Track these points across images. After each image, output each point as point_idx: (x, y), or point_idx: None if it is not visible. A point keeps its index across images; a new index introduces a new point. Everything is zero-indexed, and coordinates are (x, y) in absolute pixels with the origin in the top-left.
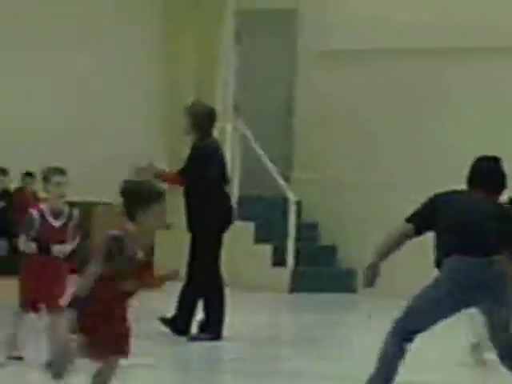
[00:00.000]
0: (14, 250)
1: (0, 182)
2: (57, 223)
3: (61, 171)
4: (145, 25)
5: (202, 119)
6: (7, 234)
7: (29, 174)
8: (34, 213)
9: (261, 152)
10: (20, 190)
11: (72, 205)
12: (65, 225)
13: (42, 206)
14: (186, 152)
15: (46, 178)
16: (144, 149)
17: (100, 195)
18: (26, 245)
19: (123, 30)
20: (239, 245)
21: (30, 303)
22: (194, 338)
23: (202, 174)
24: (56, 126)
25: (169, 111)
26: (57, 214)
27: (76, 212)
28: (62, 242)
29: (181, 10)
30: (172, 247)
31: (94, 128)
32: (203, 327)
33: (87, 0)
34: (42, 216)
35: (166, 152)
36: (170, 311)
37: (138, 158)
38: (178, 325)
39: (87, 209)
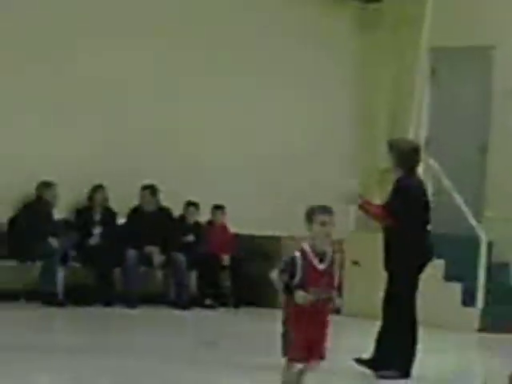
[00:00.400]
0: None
1: (191, 215)
2: (321, 266)
3: (327, 209)
4: (341, 60)
5: (408, 155)
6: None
7: (219, 207)
8: (297, 254)
9: (452, 189)
10: (210, 223)
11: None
12: (329, 267)
13: (305, 246)
14: (375, 187)
15: (309, 217)
16: (337, 181)
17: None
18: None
19: (322, 65)
20: (429, 282)
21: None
22: (383, 376)
23: (407, 211)
24: (245, 164)
25: (361, 146)
26: (321, 256)
27: (338, 254)
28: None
29: (377, 46)
30: (362, 284)
31: (286, 163)
32: (378, 364)
33: (290, 32)
34: (305, 258)
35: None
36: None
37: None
38: (377, 365)
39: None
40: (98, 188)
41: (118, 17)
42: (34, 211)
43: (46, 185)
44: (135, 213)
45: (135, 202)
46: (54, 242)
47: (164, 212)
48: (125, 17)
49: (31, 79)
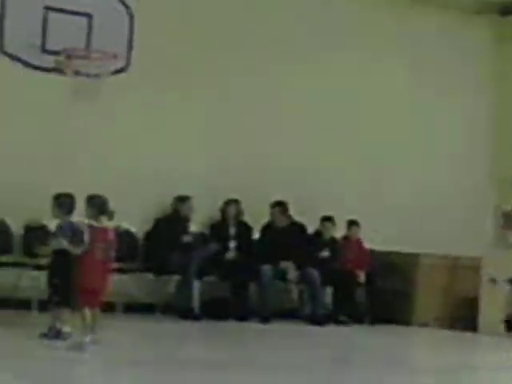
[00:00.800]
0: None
1: (327, 230)
2: None
3: None
4: (479, 70)
5: None
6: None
7: (354, 222)
8: None
9: None
10: (345, 238)
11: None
12: None
13: None
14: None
15: None
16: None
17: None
18: None
19: (460, 74)
20: None
21: None
22: None
23: None
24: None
25: (499, 156)
26: None
27: None
28: None
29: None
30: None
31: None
32: None
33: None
34: None
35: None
36: None
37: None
38: None
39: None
40: (232, 202)
41: None
42: (171, 225)
43: (182, 199)
44: (268, 228)
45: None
46: (189, 256)
47: (297, 227)
48: None
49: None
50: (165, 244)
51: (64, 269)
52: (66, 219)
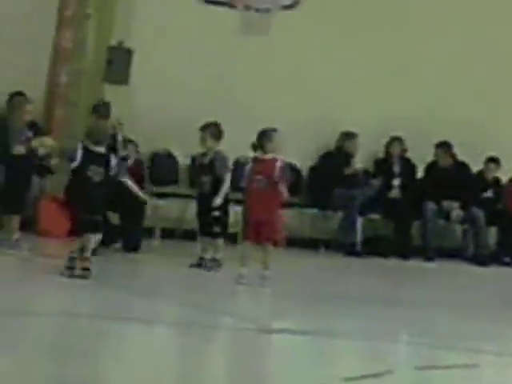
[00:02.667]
0: None
1: (490, 171)
2: None
3: None
4: None
5: None
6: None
7: None
8: None
9: None
10: (511, 180)
11: None
12: None
13: None
14: None
15: None
16: None
17: None
18: None
19: None
20: None
21: None
22: None
23: None
24: None
25: None
26: None
27: None
28: None
29: None
30: None
31: None
32: None
33: None
34: None
35: None
36: None
37: None
38: None
39: None
40: (396, 139)
41: None
42: (335, 160)
43: (348, 135)
44: (432, 168)
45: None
46: (352, 192)
47: (461, 167)
48: None
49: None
50: (329, 179)
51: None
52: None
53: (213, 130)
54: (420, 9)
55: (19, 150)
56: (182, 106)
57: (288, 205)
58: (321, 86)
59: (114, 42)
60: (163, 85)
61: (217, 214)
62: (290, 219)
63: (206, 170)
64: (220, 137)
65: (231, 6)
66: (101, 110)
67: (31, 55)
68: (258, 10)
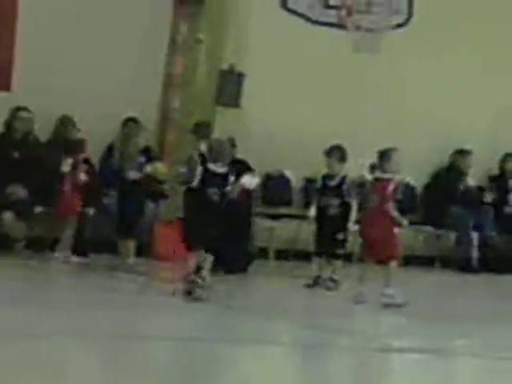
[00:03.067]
0: None
1: None
2: None
3: None
4: None
5: None
6: None
7: None
8: None
9: None
10: None
11: None
12: None
13: None
14: None
15: None
16: None
17: None
18: None
19: None
20: None
21: None
22: None
23: None
24: None
25: None
26: None
27: None
28: None
29: None
30: None
31: None
32: None
33: None
34: None
35: None
36: None
37: None
38: None
39: None
40: (510, 156)
41: None
42: (449, 178)
43: (462, 152)
44: None
45: None
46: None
47: None
48: None
49: None
50: (443, 197)
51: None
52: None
53: (338, 154)
54: None
55: (134, 175)
56: (293, 128)
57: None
58: (432, 103)
59: (225, 66)
60: (274, 107)
61: (341, 236)
62: (405, 237)
63: (333, 192)
64: (345, 159)
65: (342, 26)
66: (201, 130)
67: (144, 81)
68: (368, 30)
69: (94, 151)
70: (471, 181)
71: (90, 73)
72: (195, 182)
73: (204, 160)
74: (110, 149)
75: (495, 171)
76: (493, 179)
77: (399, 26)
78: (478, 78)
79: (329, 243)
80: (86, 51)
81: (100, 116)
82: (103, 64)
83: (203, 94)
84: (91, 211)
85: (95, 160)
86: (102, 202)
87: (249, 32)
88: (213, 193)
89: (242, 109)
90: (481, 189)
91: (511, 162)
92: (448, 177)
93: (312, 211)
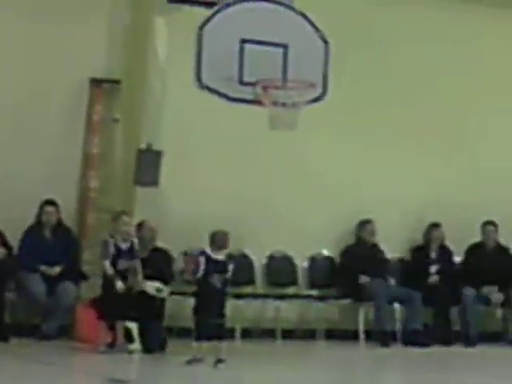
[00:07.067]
0: None
1: None
2: None
3: None
4: None
5: None
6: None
7: None
8: None
9: None
10: None
11: None
12: None
13: None
14: None
15: None
16: None
17: None
18: None
19: None
20: None
21: None
22: None
23: None
24: None
25: None
26: None
27: None
28: None
29: None
30: None
31: None
32: None
33: None
34: None
35: None
36: None
37: None
38: None
39: None
40: (436, 226)
41: None
42: (357, 249)
43: (363, 222)
44: (474, 250)
45: (473, 240)
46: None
47: (502, 249)
48: None
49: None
50: (354, 269)
51: None
52: None
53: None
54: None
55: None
56: (213, 208)
57: (323, 297)
58: (343, 178)
59: (142, 145)
60: (193, 186)
61: None
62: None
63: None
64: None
65: (258, 103)
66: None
67: (63, 161)
68: (284, 105)
69: (12, 234)
70: (386, 252)
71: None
72: (201, 271)
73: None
74: (29, 231)
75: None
76: (416, 250)
77: (314, 101)
78: (391, 155)
79: None
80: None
81: (17, 198)
82: (20, 145)
83: (122, 173)
84: (11, 295)
85: (14, 243)
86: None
87: (165, 110)
88: (217, 280)
89: (160, 187)
90: (403, 260)
91: (435, 232)
92: (355, 248)
93: None
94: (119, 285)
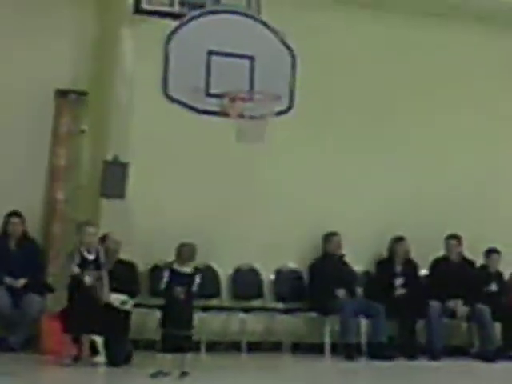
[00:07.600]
0: None
1: (494, 263)
2: None
3: None
4: None
5: None
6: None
7: None
8: None
9: None
10: None
11: None
12: None
13: None
14: None
15: None
16: None
17: None
18: None
19: None
20: None
21: None
22: None
23: None
24: None
25: None
26: None
27: None
28: None
29: None
30: None
31: None
32: None
33: None
34: None
35: None
36: None
37: None
38: None
39: None
40: (400, 240)
41: None
42: (325, 263)
43: (328, 235)
44: (438, 264)
45: (437, 254)
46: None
47: (467, 262)
48: None
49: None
50: (323, 283)
51: None
52: None
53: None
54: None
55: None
56: (179, 221)
57: (289, 310)
58: (308, 191)
59: (109, 157)
60: (160, 198)
61: None
62: (293, 324)
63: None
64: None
65: (225, 115)
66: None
67: (29, 172)
68: (252, 118)
69: None
70: (352, 265)
71: None
72: (163, 283)
73: None
74: None
75: (384, 256)
76: (381, 263)
77: (280, 113)
78: (357, 168)
79: None
80: None
81: None
82: None
83: (88, 185)
84: None
85: None
86: None
87: (132, 122)
88: (180, 292)
89: (126, 199)
90: (368, 273)
91: (400, 246)
92: (322, 262)
93: None
94: (87, 280)
